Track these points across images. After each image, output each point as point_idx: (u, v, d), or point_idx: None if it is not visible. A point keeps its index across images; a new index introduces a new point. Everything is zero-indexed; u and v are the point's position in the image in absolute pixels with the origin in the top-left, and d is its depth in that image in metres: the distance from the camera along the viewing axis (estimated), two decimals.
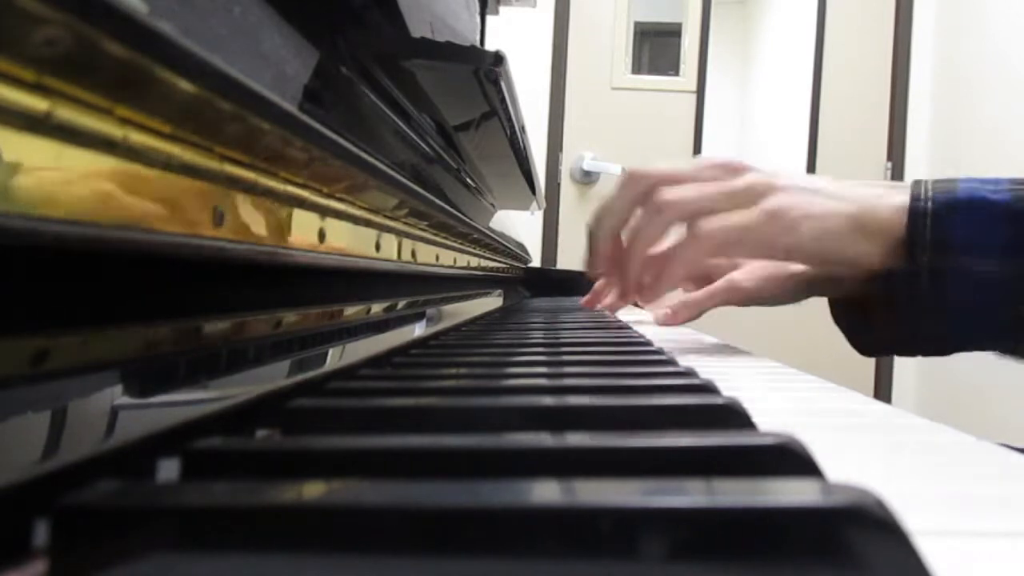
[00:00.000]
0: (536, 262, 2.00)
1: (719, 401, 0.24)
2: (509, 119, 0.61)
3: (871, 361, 2.36)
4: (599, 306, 0.75)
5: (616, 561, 0.12)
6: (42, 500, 0.13)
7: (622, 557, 0.12)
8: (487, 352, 0.43)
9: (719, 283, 0.63)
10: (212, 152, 0.19)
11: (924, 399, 2.34)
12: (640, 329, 0.66)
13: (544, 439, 0.19)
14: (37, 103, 0.13)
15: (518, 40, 2.22)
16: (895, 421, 0.29)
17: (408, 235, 0.42)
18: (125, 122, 0.15)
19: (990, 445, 0.24)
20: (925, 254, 0.46)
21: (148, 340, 0.19)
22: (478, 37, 0.90)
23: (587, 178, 2.45)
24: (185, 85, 0.16)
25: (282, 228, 0.24)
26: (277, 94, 0.21)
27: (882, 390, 2.41)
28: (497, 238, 0.81)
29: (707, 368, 0.46)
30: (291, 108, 0.22)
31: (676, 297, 0.67)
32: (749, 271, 0.61)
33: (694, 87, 2.45)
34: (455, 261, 0.58)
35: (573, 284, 1.35)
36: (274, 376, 0.26)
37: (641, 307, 1.02)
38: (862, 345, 0.56)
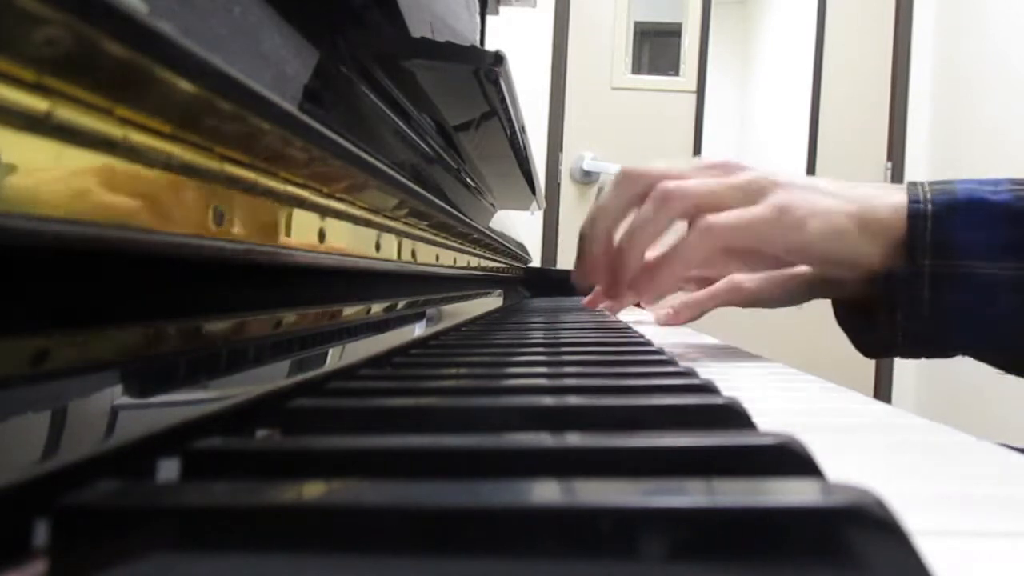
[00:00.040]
0: (536, 262, 2.00)
1: (719, 401, 0.24)
2: (509, 119, 0.61)
3: (871, 361, 2.36)
4: (601, 306, 0.75)
5: (616, 561, 0.12)
6: (42, 500, 0.13)
7: (622, 557, 0.12)
8: (487, 352, 0.43)
9: (721, 283, 0.62)
10: (212, 152, 0.19)
11: (924, 399, 2.34)
12: (640, 329, 0.66)
13: (544, 439, 0.19)
14: (37, 103, 0.13)
15: (518, 40, 2.22)
16: (895, 421, 0.29)
17: (408, 235, 0.42)
18: (125, 122, 0.15)
19: (990, 445, 0.24)
20: (926, 257, 0.45)
21: (148, 340, 0.19)
22: (478, 37, 0.90)
23: (587, 178, 2.45)
24: (185, 85, 0.16)
25: (282, 228, 0.24)
26: (277, 94, 0.21)
27: (882, 390, 2.41)
28: (497, 238, 0.81)
29: (707, 368, 0.46)
30: (291, 108, 0.22)
31: (677, 297, 0.67)
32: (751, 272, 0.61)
33: (694, 87, 2.45)
34: (455, 261, 0.58)
35: (573, 284, 1.35)
36: (274, 376, 0.26)
37: (642, 307, 1.02)
38: (865, 346, 0.55)
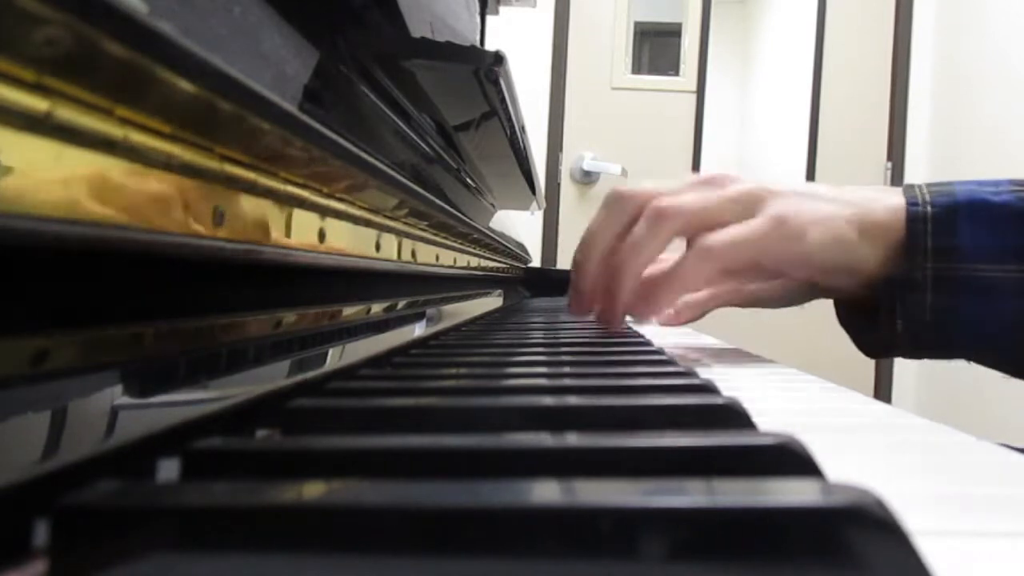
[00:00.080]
0: (536, 262, 2.00)
1: (719, 401, 0.24)
2: (509, 119, 0.61)
3: (871, 361, 2.36)
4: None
5: (616, 561, 0.12)
6: (42, 500, 0.13)
7: (622, 557, 0.12)
8: (487, 352, 0.43)
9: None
10: (212, 152, 0.19)
11: (924, 399, 2.34)
12: (640, 329, 0.66)
13: (544, 439, 0.19)
14: (37, 103, 0.13)
15: (518, 40, 2.22)
16: (895, 421, 0.29)
17: (408, 235, 0.42)
18: (125, 122, 0.15)
19: (990, 445, 0.24)
20: (927, 260, 0.45)
21: (148, 340, 0.19)
22: (478, 37, 0.90)
23: (587, 178, 2.45)
24: (185, 85, 0.16)
25: (282, 228, 0.24)
26: (277, 94, 0.21)
27: (882, 390, 2.41)
28: (497, 238, 0.81)
29: (707, 368, 0.46)
30: (291, 108, 0.22)
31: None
32: None
33: (694, 87, 2.46)
34: (455, 261, 0.58)
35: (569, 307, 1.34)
36: (274, 376, 0.26)
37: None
38: (867, 346, 0.55)
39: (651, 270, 0.49)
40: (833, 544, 0.12)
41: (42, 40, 0.12)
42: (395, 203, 0.36)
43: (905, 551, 0.12)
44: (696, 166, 2.44)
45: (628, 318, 0.54)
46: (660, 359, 0.39)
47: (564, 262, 2.34)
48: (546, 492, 0.14)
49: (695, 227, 0.46)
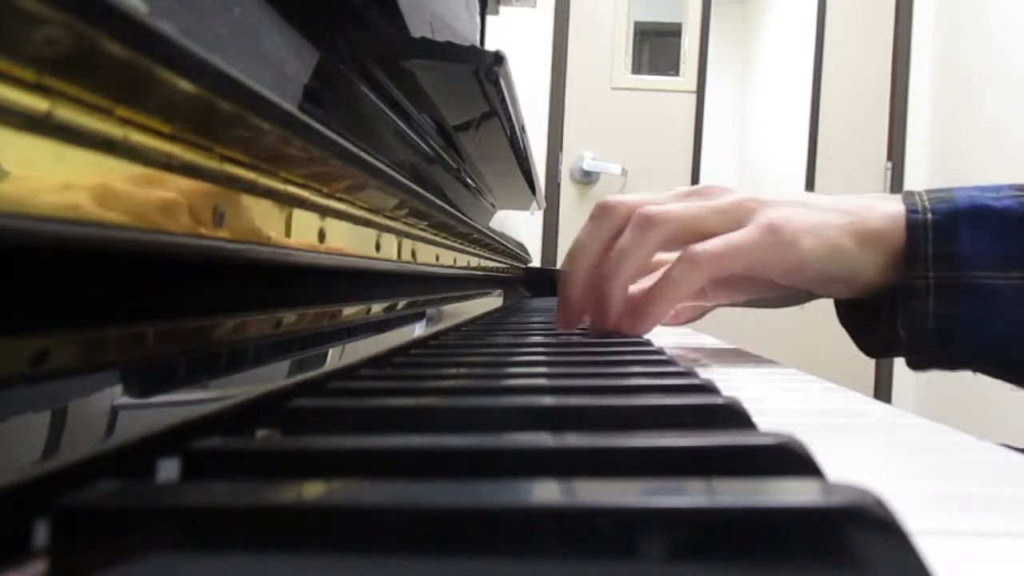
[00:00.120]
0: (536, 262, 2.00)
1: (719, 401, 0.24)
2: (509, 119, 0.61)
3: (871, 361, 2.36)
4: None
5: (616, 561, 0.12)
6: (42, 500, 0.13)
7: (622, 557, 0.12)
8: (487, 352, 0.43)
9: None
10: (212, 152, 0.19)
11: (924, 399, 2.34)
12: None
13: (544, 439, 0.19)
14: (37, 103, 0.13)
15: (518, 40, 2.22)
16: (895, 421, 0.29)
17: (408, 235, 0.42)
18: (125, 122, 0.15)
19: (990, 445, 0.24)
20: (928, 268, 0.44)
21: (148, 340, 0.19)
22: (478, 37, 0.90)
23: (587, 178, 2.45)
24: (185, 85, 0.16)
25: (282, 228, 0.24)
26: (277, 94, 0.21)
27: (882, 390, 2.42)
28: (497, 238, 0.81)
29: (707, 368, 0.46)
30: (291, 108, 0.22)
31: None
32: None
33: (694, 87, 2.46)
34: (455, 261, 0.58)
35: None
36: (274, 376, 0.26)
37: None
38: (868, 346, 0.55)
39: (642, 284, 0.48)
40: (833, 544, 0.12)
41: (42, 40, 0.12)
42: (395, 203, 0.36)
43: (905, 551, 0.12)
44: (696, 166, 2.44)
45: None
46: (660, 359, 0.39)
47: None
48: (546, 492, 0.14)
49: (683, 237, 0.46)
